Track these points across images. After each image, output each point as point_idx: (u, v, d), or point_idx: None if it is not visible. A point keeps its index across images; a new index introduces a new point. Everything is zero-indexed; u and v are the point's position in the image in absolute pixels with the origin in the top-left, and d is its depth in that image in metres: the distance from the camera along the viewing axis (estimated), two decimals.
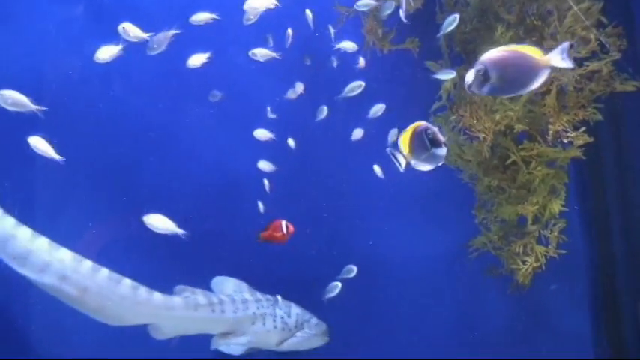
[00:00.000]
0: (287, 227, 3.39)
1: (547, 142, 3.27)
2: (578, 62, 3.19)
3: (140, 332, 3.49)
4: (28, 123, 3.76)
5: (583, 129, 3.13)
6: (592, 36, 3.12)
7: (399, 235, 3.95)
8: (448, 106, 3.60)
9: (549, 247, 3.36)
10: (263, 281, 3.81)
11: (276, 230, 3.40)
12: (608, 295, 3.66)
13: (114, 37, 3.31)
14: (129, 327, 3.34)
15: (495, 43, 3.41)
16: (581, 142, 3.15)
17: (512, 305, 3.87)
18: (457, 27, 3.55)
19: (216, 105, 3.82)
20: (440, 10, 3.64)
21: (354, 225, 3.96)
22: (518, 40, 3.37)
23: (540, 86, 3.19)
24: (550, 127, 3.17)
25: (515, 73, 2.83)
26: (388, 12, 3.48)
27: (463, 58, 3.66)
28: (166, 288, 3.49)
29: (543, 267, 3.37)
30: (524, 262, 3.38)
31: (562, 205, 3.35)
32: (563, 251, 3.36)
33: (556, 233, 3.36)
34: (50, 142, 3.30)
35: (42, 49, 3.75)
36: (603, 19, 3.13)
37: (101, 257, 3.49)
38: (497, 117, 3.26)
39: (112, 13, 3.74)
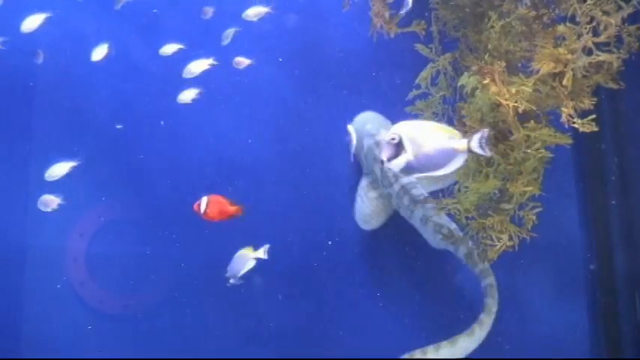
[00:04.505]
0: (205, 204, 3.24)
1: (549, 124, 3.27)
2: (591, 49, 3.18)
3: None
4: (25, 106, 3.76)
5: (592, 116, 3.12)
6: (612, 21, 3.12)
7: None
8: (432, 92, 3.59)
9: (523, 227, 3.37)
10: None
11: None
12: (606, 286, 3.78)
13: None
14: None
15: (485, 32, 3.35)
16: (587, 130, 3.13)
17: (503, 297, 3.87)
18: (452, 12, 3.47)
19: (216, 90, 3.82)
20: None
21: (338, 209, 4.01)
22: (510, 29, 3.32)
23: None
24: (564, 109, 3.13)
25: (431, 151, 2.84)
26: None
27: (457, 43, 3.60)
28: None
29: (516, 247, 3.37)
30: (498, 238, 3.36)
31: (539, 189, 3.36)
32: (534, 234, 3.38)
33: (532, 215, 3.37)
34: None
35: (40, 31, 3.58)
36: (622, 4, 3.10)
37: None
38: (513, 90, 3.16)
39: None
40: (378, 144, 3.69)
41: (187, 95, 3.61)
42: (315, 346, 3.84)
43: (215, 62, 3.60)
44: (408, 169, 2.87)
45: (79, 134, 3.83)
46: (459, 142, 2.85)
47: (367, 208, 3.79)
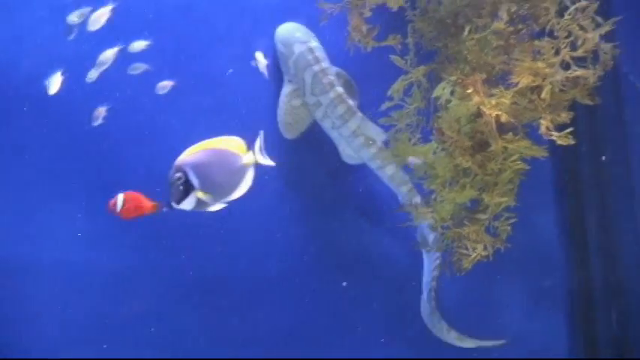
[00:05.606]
0: (122, 201, 3.03)
1: (526, 136, 3.32)
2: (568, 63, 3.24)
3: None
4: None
5: (570, 129, 3.17)
6: (590, 36, 3.17)
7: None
8: (409, 102, 3.54)
9: (498, 238, 3.41)
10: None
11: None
12: (583, 298, 3.83)
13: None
14: None
15: (461, 44, 3.38)
16: (564, 143, 3.17)
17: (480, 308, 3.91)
18: (429, 25, 3.51)
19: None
20: (411, 7, 3.55)
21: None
22: (487, 43, 3.36)
23: None
24: (542, 122, 3.17)
25: (221, 176, 2.83)
26: None
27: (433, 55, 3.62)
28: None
29: (490, 257, 3.40)
30: (473, 248, 3.38)
31: (515, 200, 3.40)
32: (509, 245, 3.42)
33: (507, 226, 3.40)
34: None
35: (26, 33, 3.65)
36: (600, 20, 3.15)
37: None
38: (494, 102, 3.20)
39: None
40: (311, 50, 3.64)
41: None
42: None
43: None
44: (202, 203, 2.83)
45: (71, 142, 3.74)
46: (245, 157, 2.88)
47: (289, 116, 3.73)
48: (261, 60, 3.59)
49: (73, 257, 3.70)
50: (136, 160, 3.72)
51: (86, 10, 3.38)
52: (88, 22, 3.38)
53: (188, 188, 2.79)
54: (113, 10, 3.37)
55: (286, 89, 3.77)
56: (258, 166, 2.98)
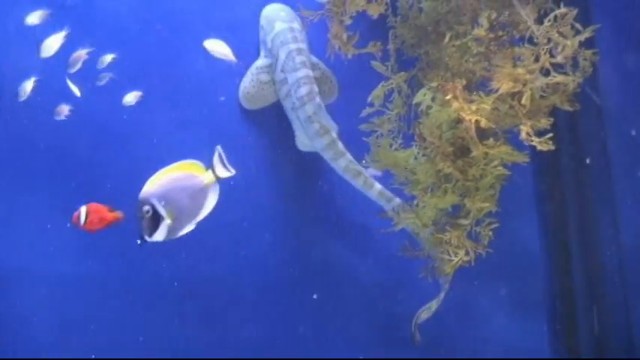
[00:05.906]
0: (85, 214, 3.00)
1: (507, 142, 3.34)
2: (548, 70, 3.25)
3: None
4: None
5: (550, 135, 3.19)
6: (568, 42, 3.19)
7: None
8: (389, 109, 3.55)
9: (480, 243, 3.43)
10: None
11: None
12: (565, 300, 3.85)
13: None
14: None
15: (442, 51, 3.40)
16: (544, 148, 3.20)
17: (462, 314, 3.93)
18: (410, 31, 3.52)
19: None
20: (393, 13, 3.57)
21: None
22: (467, 49, 3.38)
23: None
24: (523, 127, 3.19)
25: (187, 201, 2.87)
26: None
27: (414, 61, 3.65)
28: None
29: (472, 262, 3.41)
30: (455, 254, 3.40)
31: (496, 205, 3.42)
32: (490, 250, 3.43)
33: (488, 231, 3.42)
34: None
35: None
36: (579, 27, 3.17)
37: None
38: (474, 107, 3.22)
39: None
40: (292, 30, 3.65)
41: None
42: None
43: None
44: (172, 231, 2.86)
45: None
46: (205, 177, 2.91)
47: (253, 88, 3.75)
48: (210, 48, 3.57)
49: (52, 266, 3.67)
50: (110, 169, 3.72)
51: (45, 12, 3.37)
52: (40, 48, 3.38)
53: (157, 220, 2.80)
54: (66, 37, 3.38)
55: (259, 62, 3.79)
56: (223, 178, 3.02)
